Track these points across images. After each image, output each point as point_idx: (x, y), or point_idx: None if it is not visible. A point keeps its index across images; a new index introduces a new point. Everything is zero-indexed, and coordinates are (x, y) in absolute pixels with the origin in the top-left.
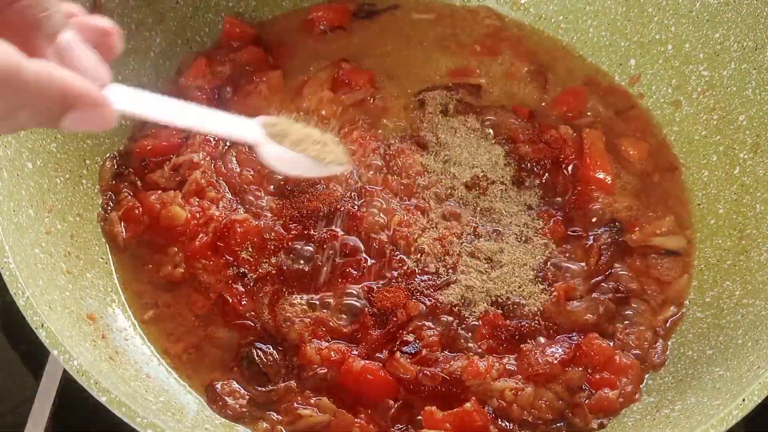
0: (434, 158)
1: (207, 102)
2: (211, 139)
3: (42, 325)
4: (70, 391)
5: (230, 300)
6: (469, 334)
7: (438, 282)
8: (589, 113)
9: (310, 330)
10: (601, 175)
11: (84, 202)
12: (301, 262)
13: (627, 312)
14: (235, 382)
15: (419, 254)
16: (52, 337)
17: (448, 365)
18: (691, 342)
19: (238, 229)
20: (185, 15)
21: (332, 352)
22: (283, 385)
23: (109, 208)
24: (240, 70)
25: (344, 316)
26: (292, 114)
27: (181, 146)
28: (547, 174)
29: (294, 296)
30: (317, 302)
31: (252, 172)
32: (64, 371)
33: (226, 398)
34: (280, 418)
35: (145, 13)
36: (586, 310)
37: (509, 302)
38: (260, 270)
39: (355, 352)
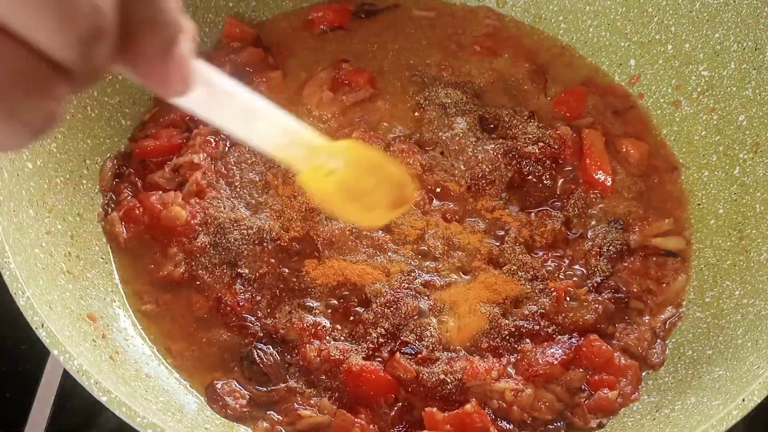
0: (434, 158)
1: None
2: (212, 140)
3: (42, 325)
4: (70, 391)
5: (228, 301)
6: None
7: (439, 282)
8: (588, 113)
9: (309, 330)
10: (601, 176)
11: (84, 202)
12: (301, 262)
13: (626, 312)
14: (235, 382)
15: (419, 254)
16: (52, 337)
17: (448, 366)
18: (691, 342)
19: (237, 229)
20: (185, 15)
21: (332, 352)
22: (283, 385)
23: (110, 208)
24: (240, 70)
25: (345, 315)
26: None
27: (181, 147)
28: (547, 174)
29: (293, 296)
30: (317, 303)
31: (253, 173)
32: (64, 371)
33: (227, 398)
34: (281, 418)
35: None
36: (586, 310)
37: (509, 302)
38: (259, 270)
39: (355, 353)
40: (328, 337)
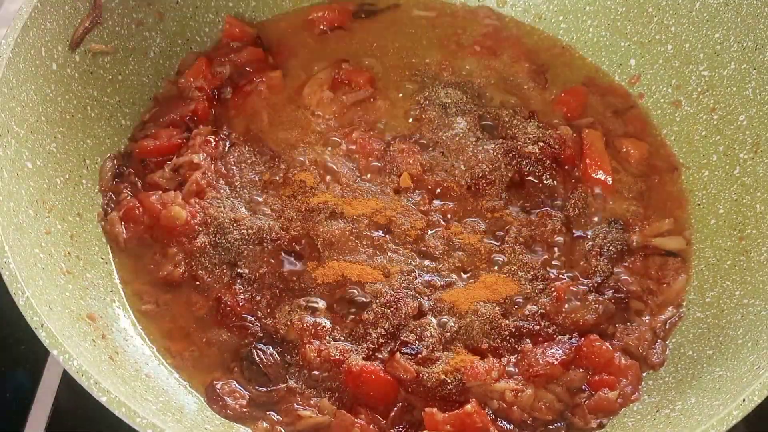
0: (434, 158)
1: (207, 102)
2: (211, 140)
3: (42, 325)
4: (70, 391)
5: (228, 302)
6: (470, 334)
7: (439, 282)
8: (588, 113)
9: (309, 331)
10: (602, 176)
11: (84, 202)
12: (301, 262)
13: (627, 312)
14: (235, 383)
15: (419, 254)
16: (52, 337)
17: (448, 365)
18: (691, 342)
19: (237, 229)
20: (185, 15)
21: (332, 352)
22: (283, 386)
23: (110, 208)
24: (240, 70)
25: (345, 315)
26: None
27: (181, 147)
28: (547, 174)
29: (293, 296)
30: (317, 302)
31: (253, 173)
32: (64, 371)
33: (226, 398)
34: (280, 418)
35: (145, 13)
36: (586, 310)
37: (509, 302)
38: (259, 270)
39: (355, 353)
40: (328, 337)
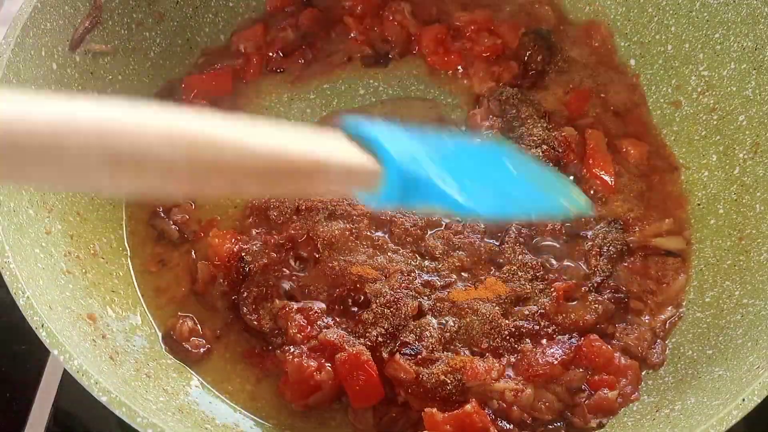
0: None
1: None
2: None
3: (42, 325)
4: (70, 391)
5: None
6: (470, 334)
7: (439, 282)
8: (590, 114)
9: (297, 320)
10: (604, 176)
11: (84, 202)
12: (300, 262)
13: (626, 312)
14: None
15: (419, 254)
16: (52, 337)
17: (448, 366)
18: (691, 342)
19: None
20: (185, 15)
21: (329, 336)
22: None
23: None
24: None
25: (344, 316)
26: None
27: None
28: None
29: (287, 296)
30: (316, 303)
31: None
32: (64, 371)
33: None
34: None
35: (145, 13)
36: (586, 310)
37: (509, 302)
38: (260, 261)
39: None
40: (320, 322)
